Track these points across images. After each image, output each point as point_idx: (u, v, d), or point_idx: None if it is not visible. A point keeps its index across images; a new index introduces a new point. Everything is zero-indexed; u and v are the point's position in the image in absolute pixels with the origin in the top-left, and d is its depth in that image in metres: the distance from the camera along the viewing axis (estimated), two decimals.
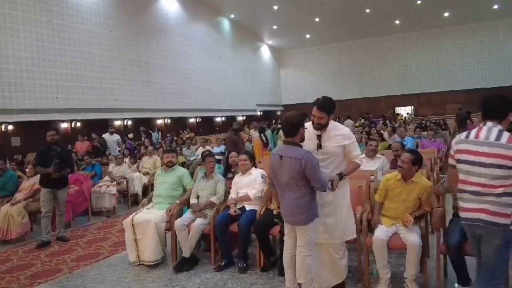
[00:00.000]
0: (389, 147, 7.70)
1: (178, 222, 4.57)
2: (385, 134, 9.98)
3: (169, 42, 19.42)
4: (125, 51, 16.49)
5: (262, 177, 4.61)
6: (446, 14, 25.46)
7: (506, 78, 26.50)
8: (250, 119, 23.81)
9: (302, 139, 3.32)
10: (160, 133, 16.84)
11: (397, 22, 26.78)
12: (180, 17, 20.49)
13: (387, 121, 16.57)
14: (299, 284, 3.40)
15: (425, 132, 10.30)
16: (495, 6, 24.21)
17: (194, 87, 20.79)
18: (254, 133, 12.31)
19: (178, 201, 4.92)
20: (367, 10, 24.35)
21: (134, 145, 13.57)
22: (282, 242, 3.68)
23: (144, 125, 17.12)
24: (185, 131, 18.68)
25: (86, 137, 12.23)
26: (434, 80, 28.45)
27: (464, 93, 27.79)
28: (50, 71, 13.08)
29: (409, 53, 29.24)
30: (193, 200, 4.83)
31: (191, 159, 10.22)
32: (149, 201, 5.20)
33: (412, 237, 3.49)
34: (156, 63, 18.39)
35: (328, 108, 3.36)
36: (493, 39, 27.03)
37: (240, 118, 26.06)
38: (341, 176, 3.37)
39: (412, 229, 3.57)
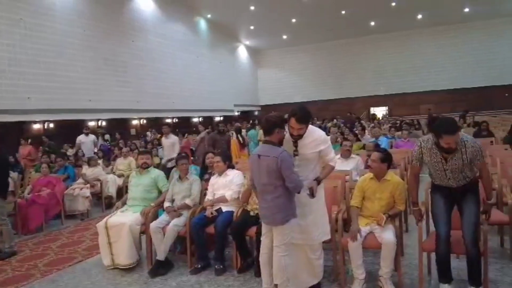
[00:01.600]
0: (364, 147, 7.81)
1: (153, 225, 4.51)
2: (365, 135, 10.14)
3: (145, 41, 19.20)
4: (100, 50, 16.20)
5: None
6: (420, 16, 26.02)
7: (478, 79, 27.28)
8: (228, 120, 23.78)
9: (279, 141, 3.33)
10: (105, 137, 15.66)
11: (372, 23, 27.20)
12: (156, 17, 20.28)
13: (357, 122, 16.78)
14: (276, 285, 3.41)
15: (399, 132, 10.48)
16: (466, 9, 24.89)
17: (171, 87, 20.60)
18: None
19: (153, 204, 4.86)
20: (343, 12, 24.66)
21: (109, 147, 13.35)
22: (259, 242, 3.68)
23: (119, 126, 16.86)
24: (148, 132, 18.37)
25: (29, 141, 11.89)
26: (409, 81, 29.02)
27: (437, 94, 28.48)
28: (21, 71, 12.73)
29: (385, 54, 29.73)
30: (166, 204, 4.78)
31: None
32: (124, 203, 5.11)
33: (386, 236, 3.54)
34: (132, 63, 18.14)
35: (308, 119, 3.37)
36: (465, 41, 27.76)
37: (217, 119, 25.97)
38: (318, 181, 3.40)
39: (386, 228, 3.63)
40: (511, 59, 26.73)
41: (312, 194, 3.29)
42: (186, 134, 11.55)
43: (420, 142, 3.40)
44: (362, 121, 17.52)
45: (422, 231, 3.58)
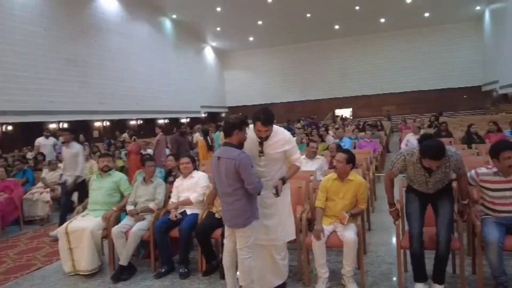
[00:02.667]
0: (328, 148, 7.92)
1: (115, 229, 4.40)
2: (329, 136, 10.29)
3: (109, 41, 18.80)
4: (61, 50, 15.74)
5: None
6: (383, 20, 26.74)
7: (438, 82, 28.27)
8: (195, 121, 23.61)
9: (240, 143, 3.33)
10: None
11: (337, 27, 27.74)
12: (119, 16, 19.91)
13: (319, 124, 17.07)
14: (241, 287, 3.40)
15: (362, 133, 10.71)
16: (426, 14, 25.76)
17: (135, 88, 20.26)
18: (198, 136, 12.18)
19: (115, 207, 4.75)
20: (308, 15, 25.02)
21: None
22: (224, 245, 3.66)
23: (82, 128, 16.39)
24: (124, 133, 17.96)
25: None
26: (373, 83, 29.75)
27: (400, 95, 29.33)
28: None
29: (349, 57, 30.37)
30: (129, 207, 4.68)
31: None
32: (84, 208, 4.98)
33: (348, 234, 3.59)
34: (95, 63, 17.72)
35: (272, 121, 3.39)
36: (426, 45, 28.75)
37: (184, 120, 25.74)
38: (284, 181, 3.42)
39: (348, 227, 3.69)
40: (469, 62, 27.90)
41: (277, 193, 3.31)
42: (134, 138, 11.31)
43: (404, 156, 3.43)
44: (326, 124, 17.80)
45: (399, 229, 3.65)
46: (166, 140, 9.66)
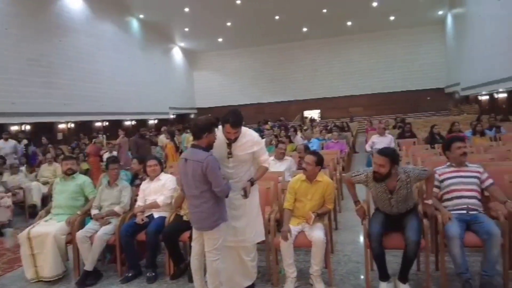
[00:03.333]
0: (296, 149, 7.99)
1: (79, 234, 4.28)
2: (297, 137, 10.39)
3: (74, 41, 18.29)
4: (24, 50, 15.18)
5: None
6: (349, 23, 27.23)
7: (403, 84, 29.03)
8: (163, 123, 23.31)
9: (209, 145, 3.31)
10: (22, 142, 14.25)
11: (305, 29, 28.04)
12: (85, 15, 19.42)
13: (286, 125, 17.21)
14: None
15: (329, 134, 10.87)
16: (391, 18, 26.42)
17: (101, 89, 19.80)
18: (164, 138, 12.02)
19: (79, 211, 4.62)
20: (277, 17, 25.18)
21: (35, 151, 12.44)
22: (191, 248, 3.63)
23: (45, 130, 15.88)
24: (99, 134, 17.51)
25: None
26: (340, 85, 30.24)
27: (366, 97, 29.94)
28: None
29: (317, 59, 30.76)
30: (94, 211, 4.57)
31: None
32: (48, 212, 4.81)
33: (316, 234, 3.63)
34: (59, 63, 17.19)
35: (241, 123, 3.40)
36: (391, 48, 29.49)
37: (152, 122, 25.37)
38: (252, 182, 3.43)
39: (316, 226, 3.73)
40: (433, 64, 28.80)
41: (245, 195, 3.32)
42: (93, 140, 11.09)
43: (367, 173, 3.63)
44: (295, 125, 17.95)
45: (366, 228, 3.69)
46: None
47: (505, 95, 21.52)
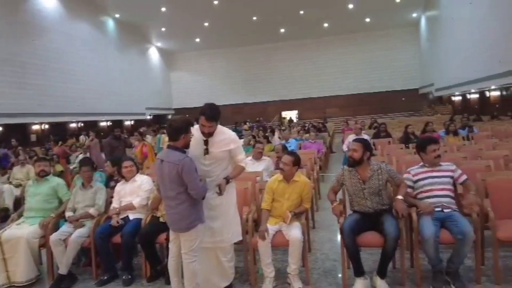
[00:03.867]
0: (274, 149, 8.01)
1: (53, 237, 4.18)
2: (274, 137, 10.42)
3: (48, 41, 17.89)
4: None
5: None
6: (326, 25, 27.51)
7: (379, 85, 29.48)
8: (140, 124, 23.03)
9: (186, 145, 3.29)
10: None
11: (282, 30, 28.17)
12: (59, 15, 19.02)
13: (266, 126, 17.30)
14: None
15: (307, 135, 10.94)
16: (367, 19, 26.82)
17: (76, 89, 19.42)
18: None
19: (53, 214, 4.51)
20: (254, 18, 25.22)
21: (6, 153, 12.10)
22: (169, 249, 3.59)
23: (18, 132, 15.45)
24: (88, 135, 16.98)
25: None
26: (316, 86, 30.50)
27: (342, 98, 30.30)
28: None
29: (295, 60, 30.96)
30: (68, 213, 4.47)
31: (71, 167, 9.49)
32: (20, 215, 4.68)
33: (293, 233, 3.65)
34: (32, 63, 16.77)
35: (216, 117, 3.38)
36: (367, 49, 29.94)
37: (128, 122, 25.03)
38: (227, 180, 3.41)
39: (293, 225, 3.74)
40: (408, 66, 29.39)
41: (220, 192, 3.30)
42: (60, 142, 10.84)
43: (343, 168, 3.94)
44: (272, 126, 18.03)
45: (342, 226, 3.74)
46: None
47: (477, 96, 22.13)
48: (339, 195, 4.05)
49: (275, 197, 3.95)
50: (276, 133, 12.17)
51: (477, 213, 3.66)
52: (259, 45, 30.75)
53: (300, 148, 9.23)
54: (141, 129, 13.76)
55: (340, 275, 3.86)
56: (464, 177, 3.76)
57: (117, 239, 4.21)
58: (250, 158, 5.99)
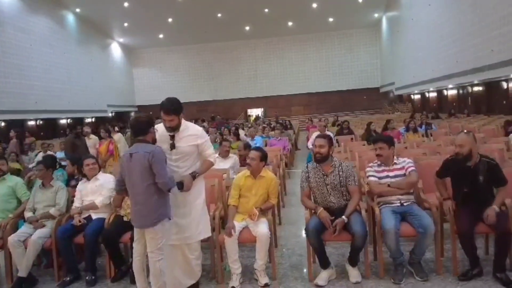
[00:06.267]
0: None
1: (12, 238, 4.02)
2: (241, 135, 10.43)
3: (2, 35, 17.09)
4: None
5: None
6: (290, 24, 27.73)
7: (340, 83, 30.06)
8: (101, 121, 22.46)
9: (153, 141, 3.28)
10: None
11: (247, 28, 28.20)
12: (15, 8, 18.23)
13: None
14: None
15: (272, 132, 11.02)
16: (330, 19, 27.25)
17: (33, 85, 18.68)
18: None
19: (11, 215, 4.33)
20: (219, 15, 25.11)
21: None
22: (133, 248, 3.53)
23: None
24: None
25: None
26: (281, 84, 30.74)
27: (307, 96, 30.69)
28: None
29: (259, 58, 31.08)
30: (27, 214, 4.30)
31: (30, 166, 9.14)
32: None
33: (260, 229, 3.68)
34: None
35: (175, 110, 3.35)
36: (329, 49, 30.45)
37: (88, 120, 24.33)
38: (194, 175, 3.40)
39: (260, 221, 3.77)
40: (369, 65, 30.12)
41: (181, 187, 3.29)
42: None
43: (307, 165, 3.96)
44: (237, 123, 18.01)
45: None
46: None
47: (435, 94, 22.97)
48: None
49: (242, 192, 3.97)
50: (241, 131, 12.18)
51: (436, 206, 3.83)
52: (224, 43, 30.65)
53: (266, 145, 9.28)
54: (108, 126, 13.37)
55: (305, 270, 3.93)
56: (410, 169, 3.87)
57: (79, 239, 4.10)
58: (216, 155, 5.97)
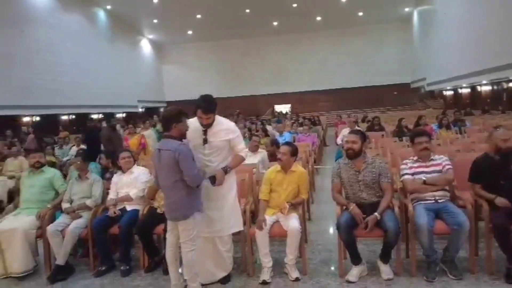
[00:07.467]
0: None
1: (50, 228, 4.16)
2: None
3: (37, 32, 17.61)
4: None
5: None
6: (319, 18, 27.46)
7: (370, 79, 29.56)
8: (131, 116, 22.89)
9: (181, 135, 3.32)
10: None
11: (275, 23, 28.09)
12: (49, 6, 18.74)
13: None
14: (186, 280, 3.38)
15: (301, 128, 10.98)
16: (360, 13, 26.82)
17: (66, 82, 19.17)
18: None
19: (49, 205, 4.49)
20: (247, 10, 25.08)
21: None
22: (166, 239, 3.61)
23: (8, 124, 15.23)
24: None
25: None
26: (308, 80, 30.49)
27: (334, 92, 30.37)
28: None
29: (286, 54, 30.90)
30: (65, 205, 4.45)
31: (64, 159, 9.43)
32: (16, 206, 4.66)
33: (291, 223, 3.68)
34: (21, 55, 16.49)
35: (213, 109, 3.45)
36: (359, 43, 29.98)
37: (120, 115, 24.84)
38: (225, 170, 3.43)
39: (291, 216, 3.78)
40: (399, 60, 29.48)
41: (213, 182, 3.34)
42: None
43: (338, 161, 3.96)
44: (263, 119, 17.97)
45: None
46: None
47: (468, 90, 22.32)
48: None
49: (273, 187, 3.98)
50: (269, 127, 12.17)
51: (471, 204, 3.74)
52: (251, 38, 30.65)
53: (294, 141, 9.26)
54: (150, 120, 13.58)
55: (336, 266, 3.91)
56: (447, 166, 3.80)
57: (114, 230, 4.21)
58: (246, 149, 6.02)
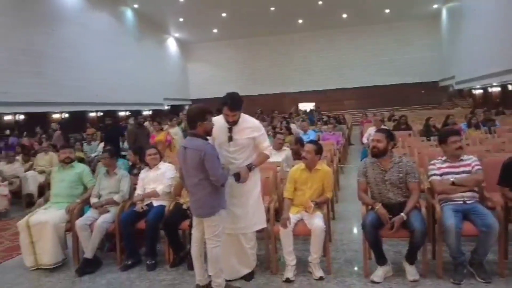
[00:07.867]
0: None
1: (79, 222, 4.29)
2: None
3: (66, 31, 18.02)
4: (13, 39, 14.89)
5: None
6: (345, 16, 27.14)
7: (396, 77, 29.01)
8: (157, 114, 23.19)
9: (206, 132, 3.35)
10: None
11: (300, 21, 27.92)
12: (78, 5, 19.16)
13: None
14: (210, 276, 3.42)
15: (325, 126, 10.91)
16: (387, 11, 26.37)
17: (94, 79, 19.54)
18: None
19: (78, 200, 4.62)
20: (272, 8, 25.02)
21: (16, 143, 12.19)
22: (191, 235, 3.66)
23: (39, 120, 15.69)
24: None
25: None
26: (333, 78, 30.18)
27: (359, 90, 29.97)
28: None
29: (311, 52, 30.66)
30: (93, 200, 4.58)
31: (92, 155, 9.66)
32: (46, 200, 4.82)
33: (316, 222, 3.67)
34: (51, 53, 16.92)
35: (239, 105, 3.47)
36: (385, 41, 29.46)
37: (146, 113, 25.21)
38: (250, 167, 3.45)
39: (315, 215, 3.76)
40: (427, 58, 28.80)
41: (237, 179, 3.36)
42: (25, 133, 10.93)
43: (365, 161, 3.93)
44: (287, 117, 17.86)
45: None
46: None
47: (498, 89, 21.67)
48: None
49: (297, 185, 3.98)
50: (293, 125, 12.12)
51: (501, 205, 3.64)
52: (276, 36, 30.54)
53: (319, 140, 9.21)
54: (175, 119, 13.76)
55: (360, 266, 3.88)
56: (476, 168, 3.72)
57: (141, 225, 4.30)
58: (271, 148, 6.03)
